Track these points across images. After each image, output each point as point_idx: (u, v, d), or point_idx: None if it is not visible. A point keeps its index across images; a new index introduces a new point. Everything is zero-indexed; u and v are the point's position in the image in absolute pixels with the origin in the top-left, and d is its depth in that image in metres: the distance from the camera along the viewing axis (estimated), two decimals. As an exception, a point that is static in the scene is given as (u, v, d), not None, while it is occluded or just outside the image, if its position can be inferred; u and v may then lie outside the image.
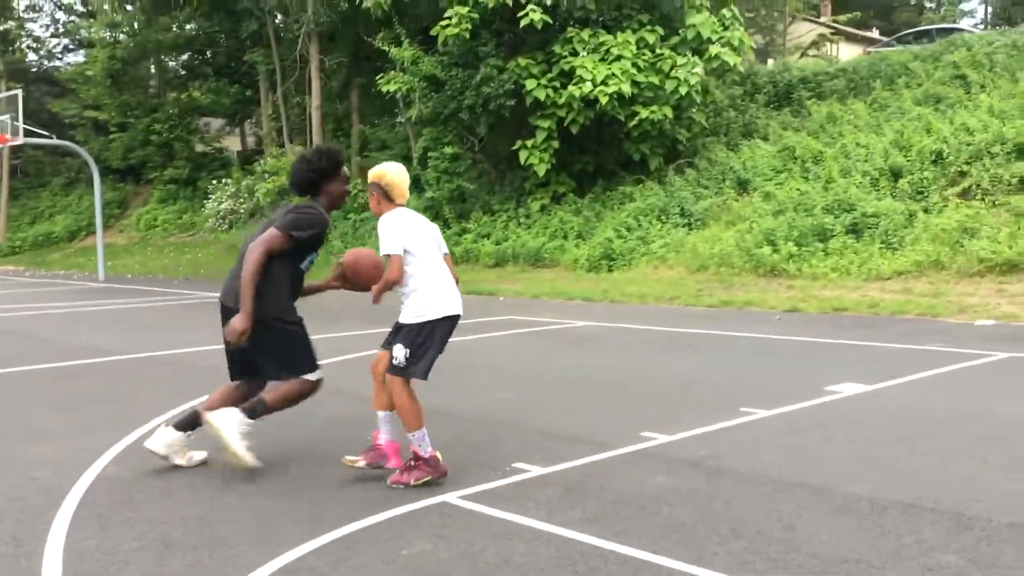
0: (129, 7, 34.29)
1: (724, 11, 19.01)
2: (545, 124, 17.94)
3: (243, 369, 4.81)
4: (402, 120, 24.64)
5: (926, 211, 13.57)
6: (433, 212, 20.32)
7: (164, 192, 32.19)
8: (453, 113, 18.86)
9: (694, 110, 18.75)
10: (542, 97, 17.64)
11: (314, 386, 4.79)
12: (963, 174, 14.10)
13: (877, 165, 15.14)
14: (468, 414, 6.01)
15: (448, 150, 20.55)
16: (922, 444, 4.92)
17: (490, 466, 4.68)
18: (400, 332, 4.44)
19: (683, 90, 17.44)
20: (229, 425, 4.50)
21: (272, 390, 4.70)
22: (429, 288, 4.41)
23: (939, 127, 15.56)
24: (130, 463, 4.90)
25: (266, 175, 25.97)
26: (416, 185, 22.14)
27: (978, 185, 13.55)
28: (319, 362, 4.83)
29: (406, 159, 23.55)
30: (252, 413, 4.60)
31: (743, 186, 17.08)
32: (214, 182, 29.11)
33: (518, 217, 19.10)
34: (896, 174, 14.79)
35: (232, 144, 36.96)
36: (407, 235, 4.43)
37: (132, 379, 7.78)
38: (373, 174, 4.59)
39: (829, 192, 14.84)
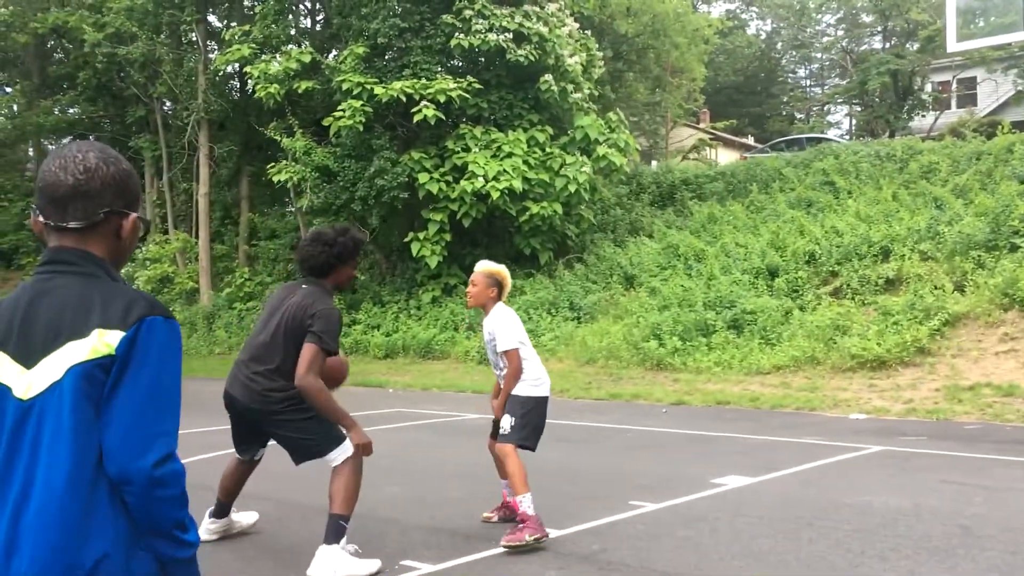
0: (8, 88, 33.36)
1: (610, 114, 19.85)
2: (437, 217, 18.11)
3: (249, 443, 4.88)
4: (293, 209, 24.48)
5: (801, 309, 14.18)
6: (322, 302, 20.03)
7: (37, 278, 30.82)
8: (345, 204, 18.86)
9: (583, 207, 19.30)
10: (435, 190, 17.84)
11: (357, 455, 4.62)
12: (834, 274, 14.85)
13: (755, 264, 15.80)
14: (355, 510, 5.82)
15: (339, 241, 20.46)
16: (806, 535, 5.02)
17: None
18: (508, 405, 5.04)
19: (572, 187, 17.98)
20: (339, 565, 4.33)
21: (333, 497, 4.48)
22: (536, 370, 5.15)
23: (811, 229, 16.41)
24: None
25: (147, 262, 25.22)
26: (305, 275, 21.87)
27: (848, 285, 14.28)
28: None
29: (295, 248, 23.26)
30: (336, 535, 4.41)
31: (630, 281, 17.53)
32: (92, 268, 28.07)
33: (409, 309, 19.03)
34: (773, 273, 15.46)
35: (113, 230, 35.91)
36: (521, 329, 5.16)
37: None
38: (494, 269, 5.13)
39: (711, 289, 15.36)
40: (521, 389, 5.05)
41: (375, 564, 4.45)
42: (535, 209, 17.91)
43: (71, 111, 32.07)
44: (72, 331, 1.72)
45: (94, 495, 1.69)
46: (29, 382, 1.72)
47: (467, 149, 18.03)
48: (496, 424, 5.15)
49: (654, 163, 29.24)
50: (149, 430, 1.73)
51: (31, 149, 34.66)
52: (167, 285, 24.77)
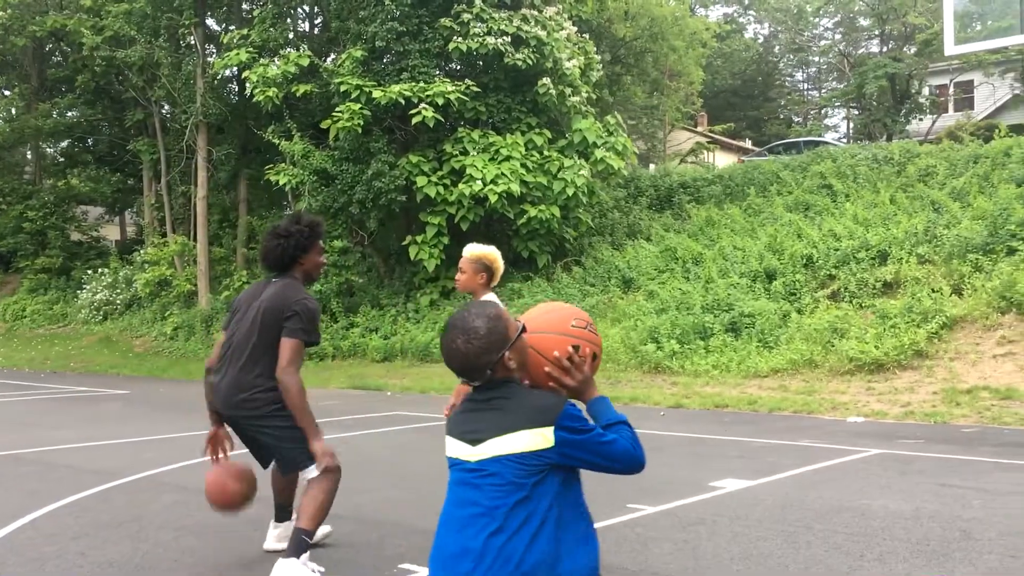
0: (7, 92, 33.35)
1: (608, 118, 19.87)
2: (435, 220, 18.12)
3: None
4: (291, 212, 24.45)
5: (799, 312, 14.19)
6: (321, 305, 19.95)
7: (35, 281, 30.75)
8: (343, 207, 18.87)
9: (580, 210, 19.31)
10: (432, 194, 17.85)
11: (336, 471, 4.37)
12: (832, 277, 14.87)
13: (752, 267, 15.82)
14: (352, 514, 5.83)
15: (337, 243, 20.46)
16: (804, 538, 5.02)
17: (376, 568, 4.53)
18: None
19: (570, 191, 18.00)
20: None
21: (303, 510, 4.25)
22: None
23: (809, 232, 16.43)
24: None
25: (145, 265, 25.20)
26: (303, 278, 21.87)
27: (846, 288, 14.29)
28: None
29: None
30: (298, 550, 4.18)
31: (628, 284, 17.54)
32: (89, 272, 28.04)
33: (407, 312, 19.03)
34: (770, 276, 15.47)
35: (111, 233, 35.83)
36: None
37: (-11, 479, 7.25)
38: (483, 253, 4.81)
39: (709, 292, 15.37)
40: None
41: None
42: (533, 212, 17.92)
43: (69, 114, 32.10)
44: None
45: None
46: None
47: (465, 152, 18.05)
48: None
49: (652, 166, 29.28)
50: None
51: (29, 152, 34.66)
52: (165, 288, 24.74)
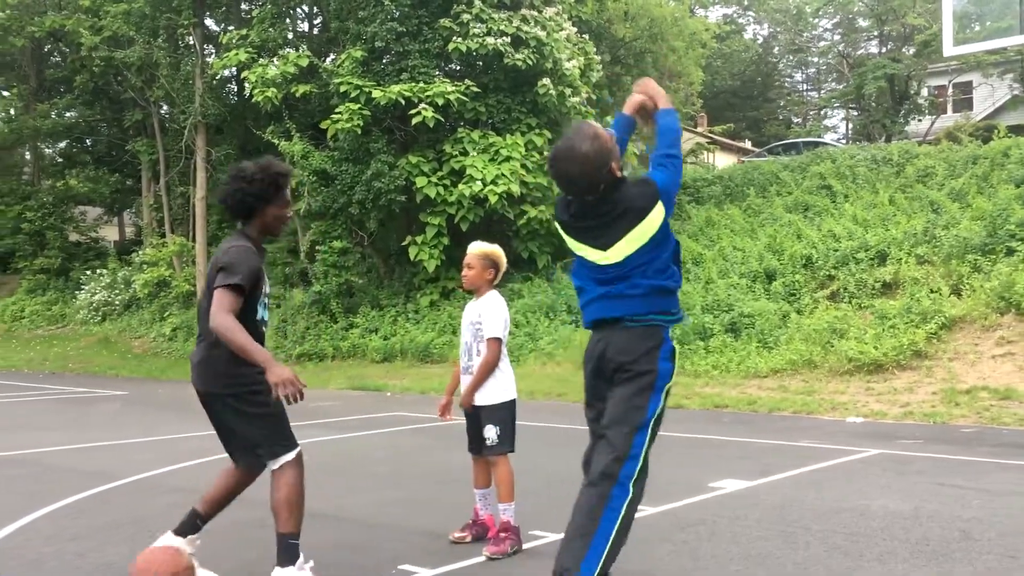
0: (5, 92, 33.33)
1: (608, 119, 19.84)
2: (435, 221, 18.12)
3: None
4: (290, 213, 24.46)
5: (799, 312, 14.19)
6: (320, 306, 20.04)
7: (33, 282, 30.75)
8: (343, 207, 18.86)
9: (580, 211, 19.27)
10: (432, 194, 17.85)
11: (297, 463, 4.10)
12: (831, 277, 14.86)
13: (752, 268, 15.81)
14: (351, 515, 5.82)
15: (337, 244, 20.46)
16: (803, 539, 5.02)
17: (374, 570, 4.52)
18: (484, 414, 4.83)
19: (569, 192, 17.99)
20: None
21: (279, 514, 4.02)
22: (509, 370, 4.91)
23: (808, 233, 16.43)
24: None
25: (144, 266, 25.19)
26: (303, 279, 21.87)
27: (845, 288, 14.29)
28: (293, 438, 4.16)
29: (293, 252, 23.28)
30: (290, 557, 4.00)
31: (627, 285, 17.51)
32: (88, 272, 28.02)
33: (407, 312, 19.03)
34: (770, 276, 15.47)
35: (109, 234, 35.82)
36: (507, 324, 4.93)
37: (-13, 480, 7.24)
38: (490, 250, 4.93)
39: (709, 292, 15.36)
40: (503, 393, 4.84)
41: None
42: (533, 213, 17.92)
43: (68, 115, 32.10)
44: None
45: None
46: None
47: (465, 153, 18.04)
48: (474, 435, 4.93)
49: (651, 167, 29.23)
50: None
51: (28, 153, 34.65)
52: (164, 289, 24.73)
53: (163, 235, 26.84)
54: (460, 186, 17.62)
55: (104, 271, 27.43)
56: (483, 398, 4.84)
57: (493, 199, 17.29)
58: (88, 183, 32.32)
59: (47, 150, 34.82)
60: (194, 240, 24.47)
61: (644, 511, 5.71)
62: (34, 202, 31.14)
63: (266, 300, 4.25)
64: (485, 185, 17.37)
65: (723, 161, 33.76)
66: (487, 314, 4.87)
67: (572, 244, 3.45)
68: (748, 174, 21.95)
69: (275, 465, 4.04)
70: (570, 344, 15.70)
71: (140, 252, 26.77)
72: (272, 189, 4.05)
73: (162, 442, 9.37)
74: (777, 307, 14.35)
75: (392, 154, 18.52)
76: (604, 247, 3.23)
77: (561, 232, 3.48)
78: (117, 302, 26.37)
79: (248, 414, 4.01)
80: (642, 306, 3.33)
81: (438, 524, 5.46)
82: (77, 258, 31.06)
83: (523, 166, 17.92)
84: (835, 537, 5.04)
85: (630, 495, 3.10)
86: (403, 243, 18.70)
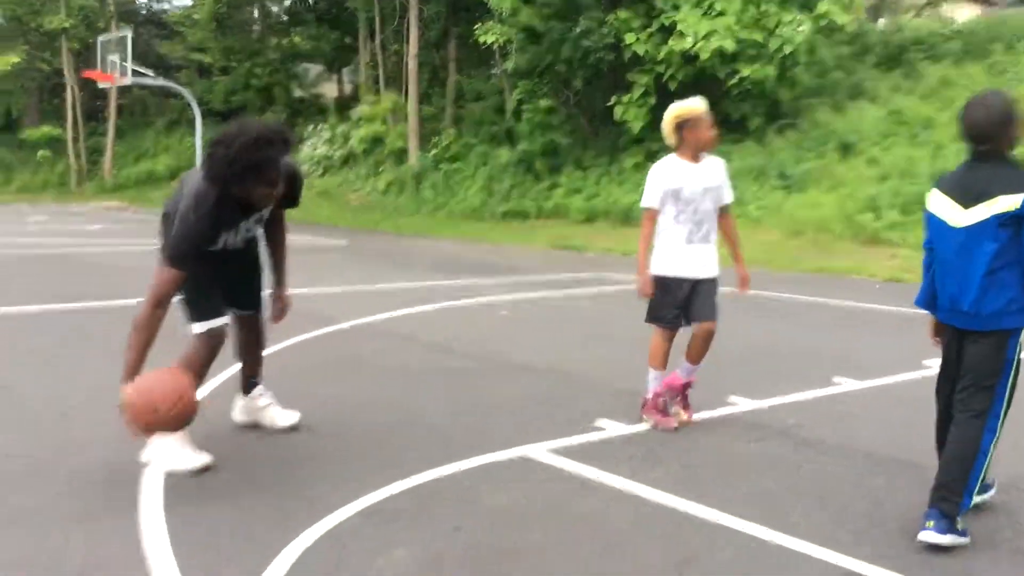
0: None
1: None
2: (643, 80, 17.60)
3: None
4: (498, 71, 24.51)
5: (1042, 183, 12.88)
6: (525, 166, 20.23)
7: (263, 136, 32.82)
8: (549, 66, 18.66)
9: (798, 69, 18.10)
10: (641, 52, 17.27)
11: (207, 343, 3.97)
12: (1086, 145, 13.31)
13: (992, 132, 14.40)
14: (552, 369, 6.01)
15: (543, 103, 20.37)
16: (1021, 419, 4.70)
17: (572, 422, 4.67)
18: (714, 284, 4.69)
19: (788, 49, 16.84)
20: (167, 452, 3.86)
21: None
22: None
23: (1062, 94, 14.68)
24: (215, 399, 5.03)
25: (361, 121, 26.20)
26: (509, 137, 22.06)
27: (1102, 158, 12.78)
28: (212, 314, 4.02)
29: (500, 111, 23.45)
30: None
31: (847, 150, 16.47)
32: (310, 128, 29.52)
33: (611, 173, 18.88)
34: (1012, 143, 14.06)
35: (329, 91, 37.40)
36: None
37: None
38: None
39: (938, 159, 14.20)
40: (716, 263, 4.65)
41: (202, 459, 3.84)
42: (746, 72, 16.96)
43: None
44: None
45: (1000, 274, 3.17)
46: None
47: (676, 7, 17.21)
48: (702, 304, 4.61)
49: (881, 20, 26.83)
50: None
51: (255, 10, 36.17)
52: (378, 144, 25.70)
53: (378, 92, 27.69)
54: (670, 42, 16.92)
55: (325, 126, 28.78)
56: (716, 268, 4.68)
57: (705, 56, 16.51)
58: (311, 40, 33.60)
59: (273, 8, 36.36)
60: (407, 97, 25.11)
61: (849, 384, 5.53)
62: (262, 59, 32.82)
63: (247, 228, 4.03)
64: (696, 41, 16.58)
65: (966, 13, 30.42)
66: (726, 177, 4.78)
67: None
68: (994, 28, 19.66)
69: (188, 335, 4.03)
70: (780, 211, 15.11)
71: (357, 109, 27.82)
72: (252, 175, 3.65)
73: (378, 292, 9.95)
74: (1017, 177, 13.07)
75: (601, 10, 17.96)
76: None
77: None
78: (336, 156, 27.72)
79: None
80: None
81: (637, 384, 5.54)
82: (300, 114, 32.74)
83: (738, 21, 16.88)
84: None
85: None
86: (609, 103, 18.35)
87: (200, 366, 3.97)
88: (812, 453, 4.24)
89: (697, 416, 4.77)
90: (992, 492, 3.56)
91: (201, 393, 3.94)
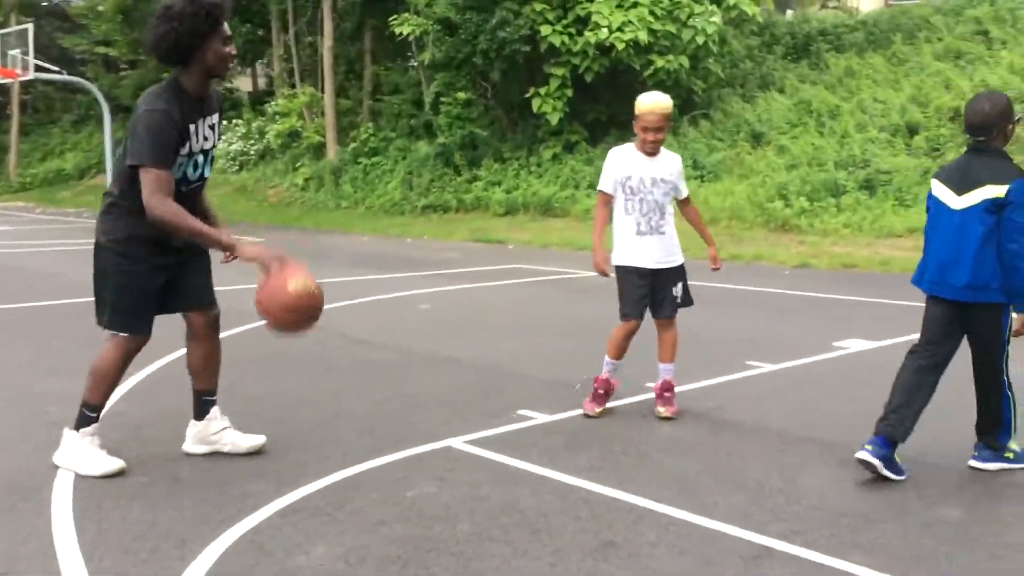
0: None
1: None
2: (559, 72, 17.73)
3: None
4: (415, 63, 24.38)
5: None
6: (444, 158, 20.20)
7: (175, 132, 32.04)
8: (467, 58, 18.64)
9: (710, 60, 18.49)
10: (557, 43, 17.40)
11: (122, 346, 3.78)
12: (981, 132, 13.92)
13: (893, 121, 14.95)
14: (474, 362, 6.04)
15: (461, 96, 20.36)
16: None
17: (495, 413, 4.71)
18: (676, 273, 4.89)
19: (700, 40, 17.19)
20: (73, 455, 3.77)
21: (87, 379, 3.82)
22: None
23: (959, 83, 15.32)
24: (138, 400, 4.94)
25: (277, 116, 25.79)
26: (428, 131, 21.99)
27: (996, 144, 13.38)
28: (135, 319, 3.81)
29: (418, 104, 23.34)
30: (80, 422, 3.79)
31: (757, 139, 16.91)
32: (224, 123, 28.92)
33: (529, 166, 18.98)
34: (912, 131, 14.62)
35: (243, 85, 36.67)
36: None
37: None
38: (668, 103, 4.68)
39: (844, 148, 14.68)
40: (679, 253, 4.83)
41: (115, 463, 3.74)
42: (660, 63, 17.26)
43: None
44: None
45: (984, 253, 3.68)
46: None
47: (591, -1, 17.40)
48: (658, 296, 4.71)
49: (789, 12, 27.53)
50: None
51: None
52: (295, 139, 25.34)
53: (293, 86, 27.28)
54: (586, 34, 17.08)
55: (239, 122, 28.25)
56: (678, 257, 4.81)
57: (620, 47, 16.72)
58: (221, 33, 32.92)
59: None
60: (323, 91, 24.80)
61: (761, 368, 5.71)
62: (171, 53, 32.02)
63: (200, 157, 3.78)
64: (611, 32, 16.78)
65: (869, 4, 31.42)
66: (681, 172, 4.87)
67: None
68: (895, 18, 20.39)
69: (107, 335, 3.83)
70: (694, 200, 15.33)
71: (272, 103, 27.37)
72: (208, 23, 3.49)
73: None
74: (918, 163, 13.61)
75: (516, 1, 18.03)
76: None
77: None
78: (252, 152, 27.25)
79: (109, 275, 3.79)
80: None
81: (558, 373, 5.61)
82: (214, 108, 32.09)
83: (651, 12, 17.15)
84: (963, 399, 4.90)
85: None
86: (526, 95, 18.44)
87: (113, 374, 3.78)
88: (729, 436, 4.36)
89: (618, 403, 4.86)
90: (905, 477, 3.77)
91: (114, 398, 3.85)
